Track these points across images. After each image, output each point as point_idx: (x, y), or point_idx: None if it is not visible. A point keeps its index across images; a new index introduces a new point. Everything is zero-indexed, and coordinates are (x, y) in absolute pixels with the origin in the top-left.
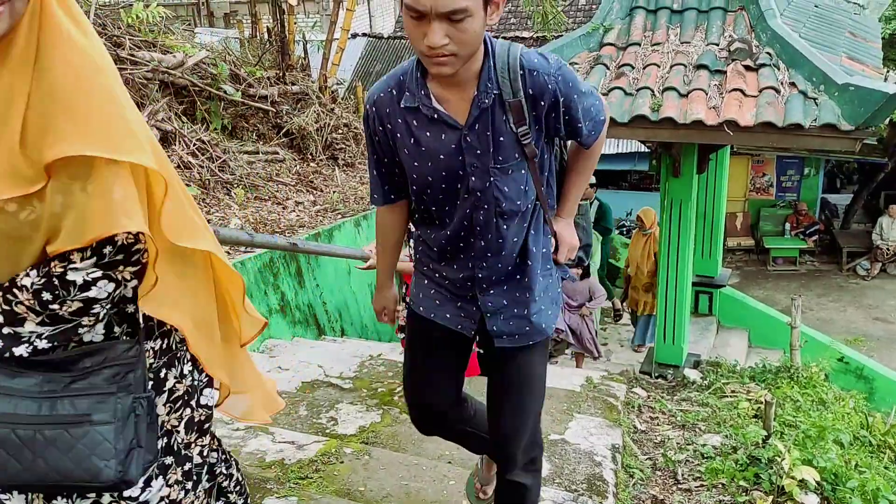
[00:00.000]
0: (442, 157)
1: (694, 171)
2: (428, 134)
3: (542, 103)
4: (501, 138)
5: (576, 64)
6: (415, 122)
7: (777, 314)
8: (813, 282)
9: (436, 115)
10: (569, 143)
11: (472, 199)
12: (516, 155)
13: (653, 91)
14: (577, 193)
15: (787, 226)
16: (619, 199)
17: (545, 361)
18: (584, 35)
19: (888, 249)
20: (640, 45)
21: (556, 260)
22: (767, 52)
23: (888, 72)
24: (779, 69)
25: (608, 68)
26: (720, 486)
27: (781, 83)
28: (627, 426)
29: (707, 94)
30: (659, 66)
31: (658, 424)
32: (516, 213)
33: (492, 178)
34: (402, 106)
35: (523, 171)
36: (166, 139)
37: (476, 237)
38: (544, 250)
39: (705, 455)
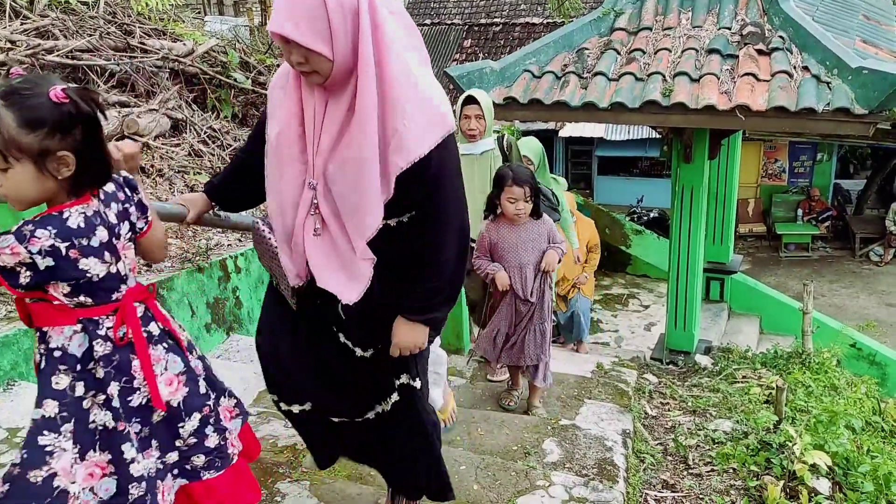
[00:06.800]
0: None
1: (705, 156)
2: None
3: None
4: None
5: (586, 49)
6: None
7: (789, 300)
8: (825, 268)
9: None
10: None
11: None
12: None
13: (664, 76)
14: None
15: (800, 212)
16: (629, 186)
17: None
18: (594, 20)
19: None
20: (651, 29)
21: None
22: (780, 36)
23: None
24: (791, 53)
25: (619, 53)
26: (731, 470)
27: (794, 67)
28: (638, 412)
29: (719, 79)
30: (670, 51)
31: (669, 410)
32: None
33: None
34: None
35: None
36: (177, 127)
37: None
38: None
39: (716, 440)
